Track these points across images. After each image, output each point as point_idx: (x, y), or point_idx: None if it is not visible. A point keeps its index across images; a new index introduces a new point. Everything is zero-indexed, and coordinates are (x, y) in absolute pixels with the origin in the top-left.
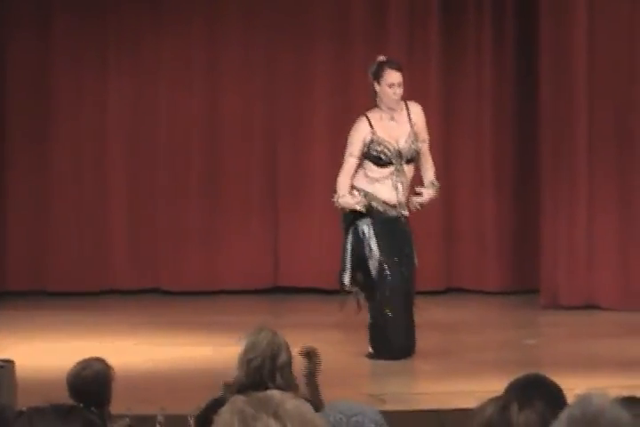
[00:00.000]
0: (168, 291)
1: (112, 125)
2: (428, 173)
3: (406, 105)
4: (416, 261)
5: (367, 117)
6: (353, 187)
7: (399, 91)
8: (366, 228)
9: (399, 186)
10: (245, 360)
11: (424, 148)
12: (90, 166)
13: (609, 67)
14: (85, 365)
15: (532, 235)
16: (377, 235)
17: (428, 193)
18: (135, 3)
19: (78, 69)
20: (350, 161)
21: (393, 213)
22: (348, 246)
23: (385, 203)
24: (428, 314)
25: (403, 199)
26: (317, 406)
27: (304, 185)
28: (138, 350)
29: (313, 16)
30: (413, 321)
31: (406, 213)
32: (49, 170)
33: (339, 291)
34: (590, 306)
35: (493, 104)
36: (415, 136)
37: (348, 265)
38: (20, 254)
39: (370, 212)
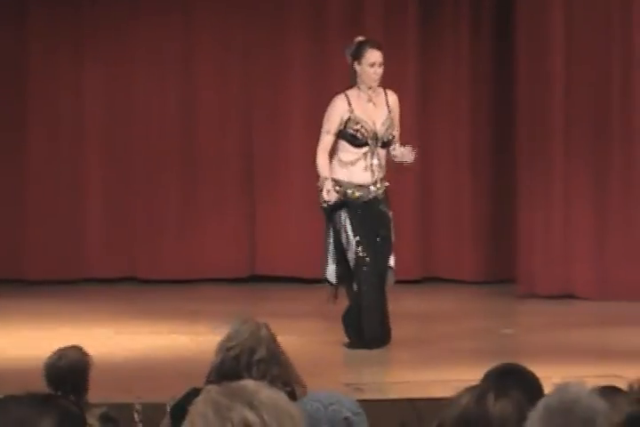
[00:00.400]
0: (145, 280)
1: (88, 115)
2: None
3: (385, 92)
4: (393, 238)
5: (346, 95)
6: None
7: (380, 70)
8: (343, 219)
9: (373, 166)
10: (224, 347)
11: (396, 129)
12: (66, 155)
13: (586, 51)
14: (62, 353)
15: (508, 224)
16: (353, 226)
17: (399, 150)
18: None
19: (54, 58)
20: (327, 138)
21: (368, 195)
22: (330, 240)
23: (360, 186)
24: (404, 303)
25: (377, 178)
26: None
27: (281, 173)
28: (115, 339)
29: (289, 5)
30: (387, 311)
31: (382, 190)
32: (24, 158)
33: (320, 282)
34: (567, 295)
35: (470, 90)
36: (391, 121)
37: (330, 260)
38: None
39: (346, 201)
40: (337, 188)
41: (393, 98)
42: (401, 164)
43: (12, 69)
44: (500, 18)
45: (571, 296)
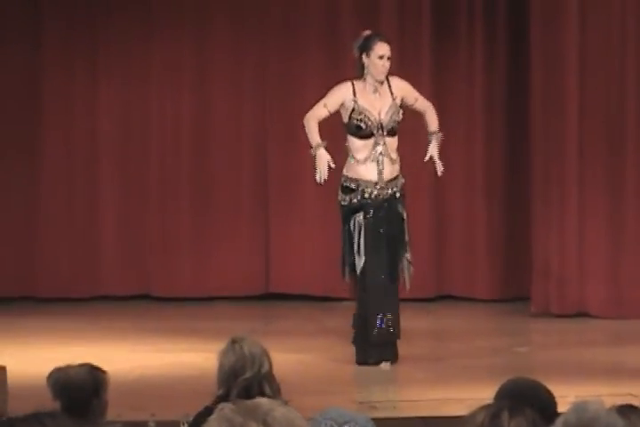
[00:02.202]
0: (158, 297)
1: (102, 132)
2: (431, 122)
3: (388, 82)
4: (407, 238)
5: (352, 84)
6: (344, 177)
7: (387, 64)
8: (357, 223)
9: (383, 162)
10: (233, 381)
11: (419, 102)
12: (80, 173)
13: (600, 66)
14: (68, 371)
15: (522, 242)
16: (366, 231)
17: (434, 150)
18: (125, 8)
19: (68, 74)
20: (321, 110)
21: (382, 193)
22: (345, 241)
23: (372, 183)
24: (417, 321)
25: (390, 173)
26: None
27: (295, 191)
28: (129, 357)
29: (303, 19)
30: (396, 314)
31: (398, 188)
32: (38, 175)
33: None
34: (581, 314)
35: (484, 112)
36: (396, 108)
37: (346, 260)
38: (10, 261)
39: (362, 204)
40: (352, 186)
41: (395, 83)
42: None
43: (26, 88)
44: (515, 36)
45: (585, 315)
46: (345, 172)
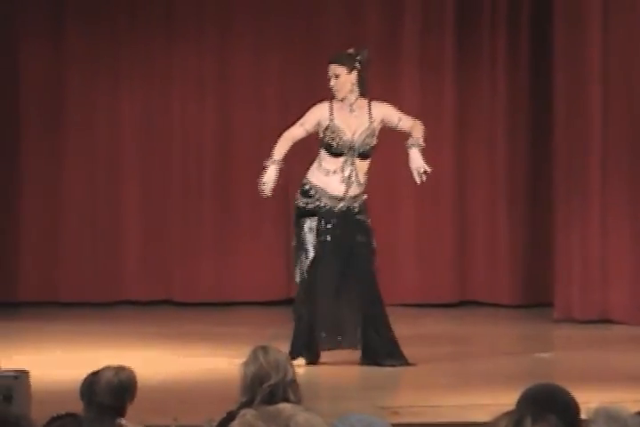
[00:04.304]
0: (180, 302)
1: (125, 137)
2: (414, 132)
3: (369, 104)
4: (374, 245)
5: (330, 103)
6: (307, 181)
7: (332, 82)
8: (310, 226)
9: (351, 179)
10: (258, 388)
11: (403, 121)
12: (102, 178)
13: (624, 80)
14: (108, 371)
15: (545, 248)
16: (321, 232)
17: (415, 159)
18: (147, 15)
19: (91, 81)
20: (297, 130)
21: (342, 206)
22: (295, 244)
23: (333, 197)
24: (440, 327)
25: (354, 193)
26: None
27: None
28: (151, 362)
29: (325, 28)
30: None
31: (358, 202)
32: (61, 180)
33: None
34: (604, 320)
35: (507, 118)
36: (372, 132)
37: (297, 263)
38: (33, 265)
39: (317, 210)
40: (312, 192)
41: (376, 105)
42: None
43: (49, 95)
44: (538, 39)
45: (608, 321)
46: (309, 176)
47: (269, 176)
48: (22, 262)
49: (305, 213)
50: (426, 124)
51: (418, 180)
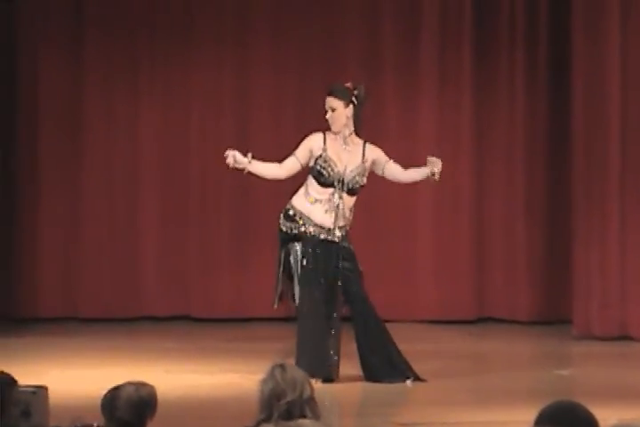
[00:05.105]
0: (199, 318)
1: (143, 152)
2: (415, 168)
3: (364, 146)
4: (361, 269)
5: (324, 134)
6: (291, 206)
7: (328, 115)
8: (297, 251)
9: (337, 210)
10: (275, 404)
11: (390, 163)
12: (121, 193)
13: None
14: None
15: (563, 264)
16: (306, 258)
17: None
18: (166, 28)
19: (110, 95)
20: (290, 160)
21: (327, 236)
22: (280, 268)
23: (318, 226)
24: (458, 344)
25: (339, 224)
26: None
27: None
28: (168, 377)
29: (344, 43)
30: (327, 346)
31: (341, 234)
32: (80, 196)
33: None
34: (623, 337)
35: (525, 133)
36: (363, 170)
37: (278, 287)
38: (53, 281)
39: (300, 236)
40: (296, 218)
41: (370, 147)
42: (427, 178)
43: (68, 108)
44: (556, 52)
45: (627, 338)
46: (294, 201)
47: (236, 157)
48: (42, 279)
49: (289, 238)
50: (444, 138)
51: (432, 181)
